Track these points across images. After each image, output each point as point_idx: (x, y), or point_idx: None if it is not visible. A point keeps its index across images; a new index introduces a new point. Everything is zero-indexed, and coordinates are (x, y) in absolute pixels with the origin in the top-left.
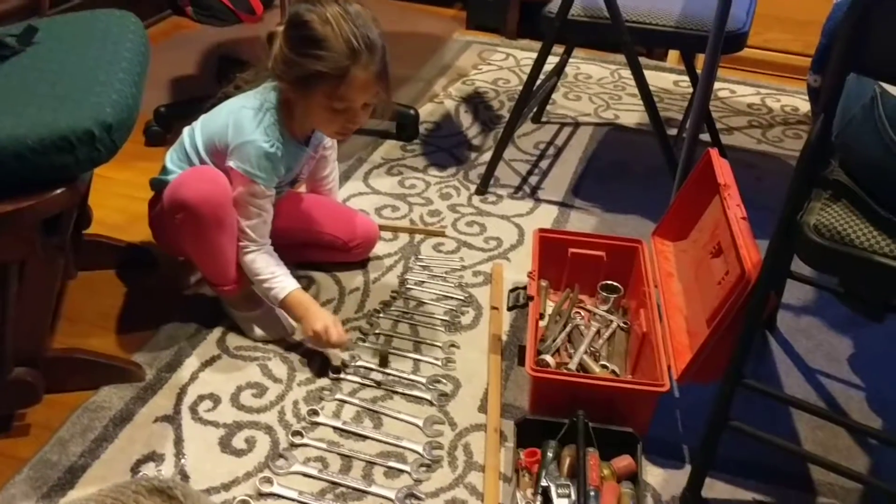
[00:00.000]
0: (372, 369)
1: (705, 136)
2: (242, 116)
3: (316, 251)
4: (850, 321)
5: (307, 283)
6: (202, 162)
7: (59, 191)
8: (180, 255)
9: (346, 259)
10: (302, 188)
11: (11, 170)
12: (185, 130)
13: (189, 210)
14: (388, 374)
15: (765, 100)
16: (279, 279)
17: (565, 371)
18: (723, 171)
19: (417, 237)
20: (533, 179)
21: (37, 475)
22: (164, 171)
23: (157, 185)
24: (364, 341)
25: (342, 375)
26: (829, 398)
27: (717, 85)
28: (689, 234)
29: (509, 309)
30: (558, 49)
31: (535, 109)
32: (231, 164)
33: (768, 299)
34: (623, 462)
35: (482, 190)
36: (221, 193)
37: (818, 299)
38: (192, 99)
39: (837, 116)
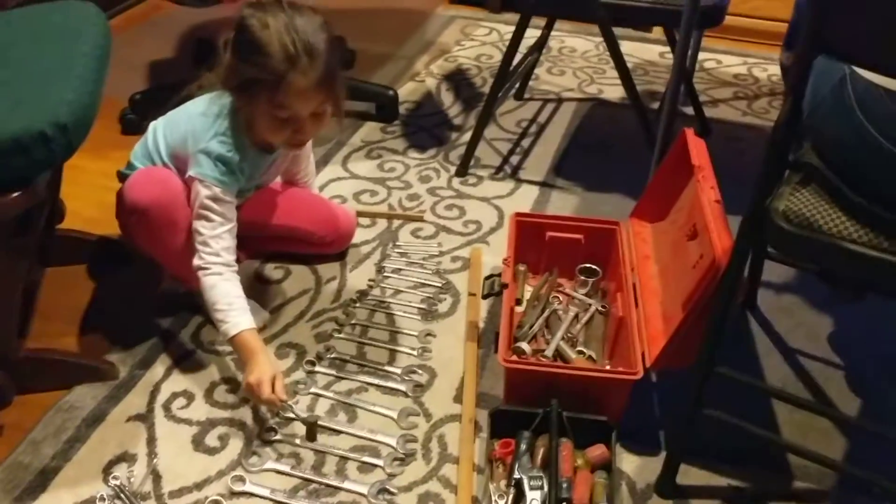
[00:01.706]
0: (347, 361)
1: (690, 110)
2: (199, 125)
3: (291, 243)
4: (831, 299)
5: (283, 275)
6: (163, 164)
7: (14, 194)
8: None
9: (322, 251)
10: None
11: None
12: (150, 127)
13: (140, 213)
14: (364, 366)
15: (751, 69)
16: (234, 314)
17: (537, 360)
18: (698, 151)
19: (396, 223)
20: (514, 159)
21: (9, 477)
22: (129, 165)
23: (123, 179)
24: (340, 332)
25: (317, 368)
26: (809, 378)
27: (702, 55)
28: (667, 215)
29: (484, 297)
30: (541, 21)
31: (517, 86)
32: (191, 172)
33: (739, 285)
34: (597, 451)
35: (462, 172)
36: (170, 194)
37: (799, 276)
38: (167, 84)
39: (808, 97)
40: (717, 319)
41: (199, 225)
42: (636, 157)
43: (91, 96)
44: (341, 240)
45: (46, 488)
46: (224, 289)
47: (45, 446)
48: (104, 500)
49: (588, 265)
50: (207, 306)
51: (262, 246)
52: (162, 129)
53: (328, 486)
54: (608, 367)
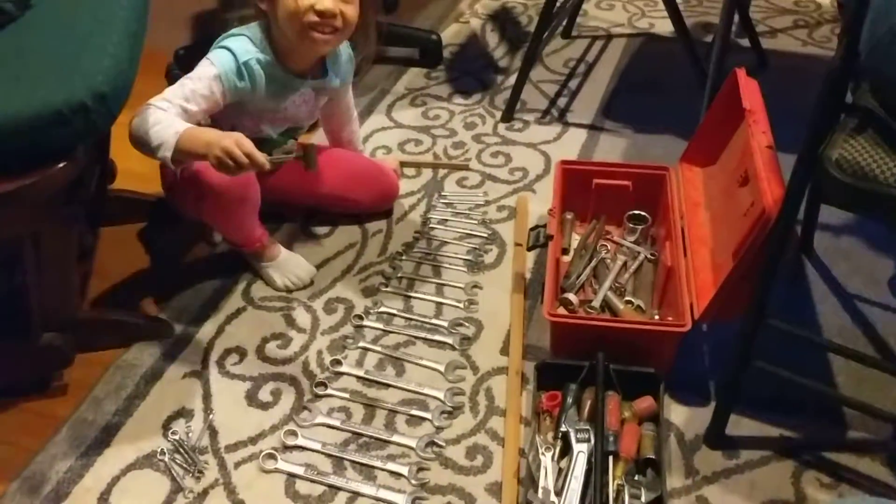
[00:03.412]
0: (394, 315)
1: (746, 42)
2: (225, 38)
3: (335, 207)
4: (892, 239)
5: (329, 230)
6: None
7: (60, 165)
8: (195, 220)
9: (365, 211)
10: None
11: (9, 147)
12: None
13: (214, 195)
14: (411, 320)
15: None
16: (169, 124)
17: (583, 314)
18: (749, 93)
19: (441, 172)
20: (562, 101)
21: (74, 434)
22: None
23: None
24: (387, 286)
25: (365, 322)
26: (867, 325)
27: None
28: (718, 160)
29: (529, 249)
30: None
31: (564, 23)
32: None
33: (790, 236)
34: (644, 403)
35: (508, 117)
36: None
37: (858, 218)
38: (212, 37)
39: (865, 36)
40: (766, 271)
41: (168, 88)
42: (688, 96)
43: (129, 61)
44: (384, 202)
45: (110, 443)
46: (152, 114)
47: (107, 403)
48: (164, 454)
49: (637, 212)
50: (140, 138)
51: (307, 207)
52: None
53: (377, 439)
54: (656, 318)
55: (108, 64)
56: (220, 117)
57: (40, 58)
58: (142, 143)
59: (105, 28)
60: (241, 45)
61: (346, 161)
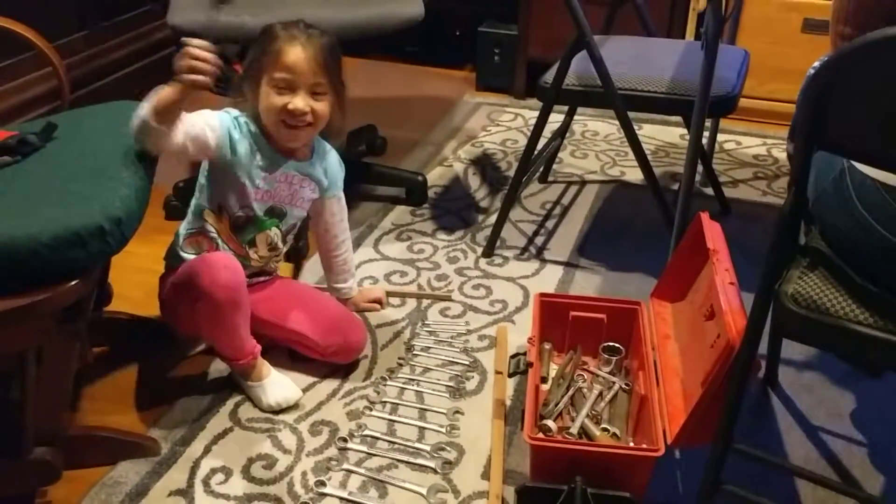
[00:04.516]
0: (378, 438)
1: (710, 191)
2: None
3: (298, 346)
4: (852, 375)
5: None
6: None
7: (72, 283)
8: (188, 334)
9: (328, 360)
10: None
11: (28, 265)
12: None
13: (207, 298)
14: (395, 443)
15: (771, 150)
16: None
17: (562, 438)
18: (713, 235)
19: (425, 302)
20: (539, 240)
21: None
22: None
23: (170, 259)
24: (371, 410)
25: (349, 445)
26: (831, 455)
27: (722, 137)
28: (686, 295)
29: (510, 375)
30: (564, 108)
31: (541, 169)
32: None
33: (752, 365)
34: None
35: (488, 252)
36: (236, 278)
37: (819, 353)
38: None
39: (812, 185)
40: (732, 398)
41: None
42: (657, 238)
43: (142, 191)
44: (348, 352)
45: None
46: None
47: None
48: None
49: (611, 343)
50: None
51: (275, 341)
52: None
53: None
54: (631, 444)
55: (124, 192)
56: (212, 187)
57: (61, 184)
58: (136, 132)
59: (122, 159)
60: (235, 112)
61: (317, 301)
